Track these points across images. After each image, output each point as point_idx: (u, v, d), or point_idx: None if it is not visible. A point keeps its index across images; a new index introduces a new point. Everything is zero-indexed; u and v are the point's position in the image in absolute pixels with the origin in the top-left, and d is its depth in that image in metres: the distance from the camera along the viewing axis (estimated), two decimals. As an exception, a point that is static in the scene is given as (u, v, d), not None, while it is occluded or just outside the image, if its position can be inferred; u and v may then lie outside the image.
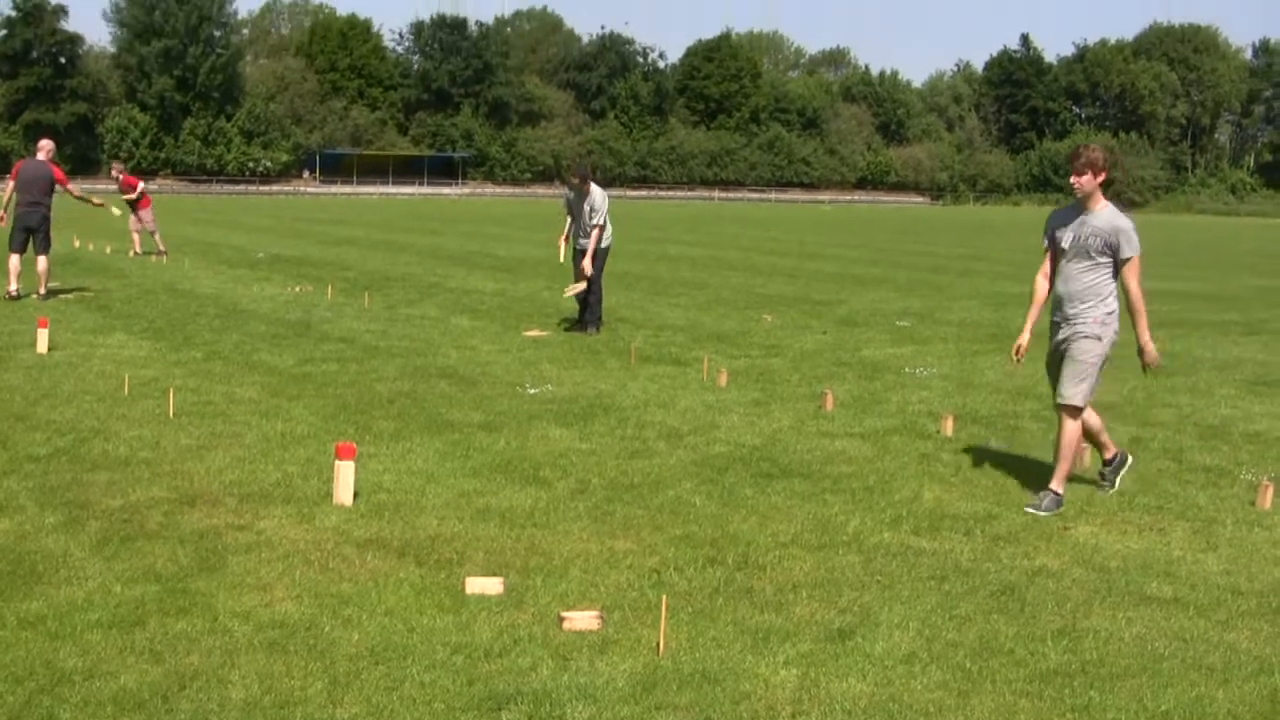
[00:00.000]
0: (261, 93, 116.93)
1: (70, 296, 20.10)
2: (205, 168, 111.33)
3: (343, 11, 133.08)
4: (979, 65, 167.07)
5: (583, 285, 17.14)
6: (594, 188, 17.25)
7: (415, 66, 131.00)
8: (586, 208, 17.15)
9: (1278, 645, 6.16)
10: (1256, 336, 19.17)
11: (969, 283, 28.25)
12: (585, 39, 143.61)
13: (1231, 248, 53.76)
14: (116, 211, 21.74)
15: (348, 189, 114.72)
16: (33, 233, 19.44)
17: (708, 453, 10.00)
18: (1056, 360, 8.95)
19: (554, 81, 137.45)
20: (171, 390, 11.42)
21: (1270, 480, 9.04)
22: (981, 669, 5.73)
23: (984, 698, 5.45)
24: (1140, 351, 8.98)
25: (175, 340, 15.44)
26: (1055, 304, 8.93)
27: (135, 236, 29.73)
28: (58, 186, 19.68)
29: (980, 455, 10.14)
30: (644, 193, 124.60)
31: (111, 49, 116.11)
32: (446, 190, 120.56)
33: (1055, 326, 8.94)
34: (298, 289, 22.33)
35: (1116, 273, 8.69)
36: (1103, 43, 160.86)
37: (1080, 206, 8.78)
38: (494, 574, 6.74)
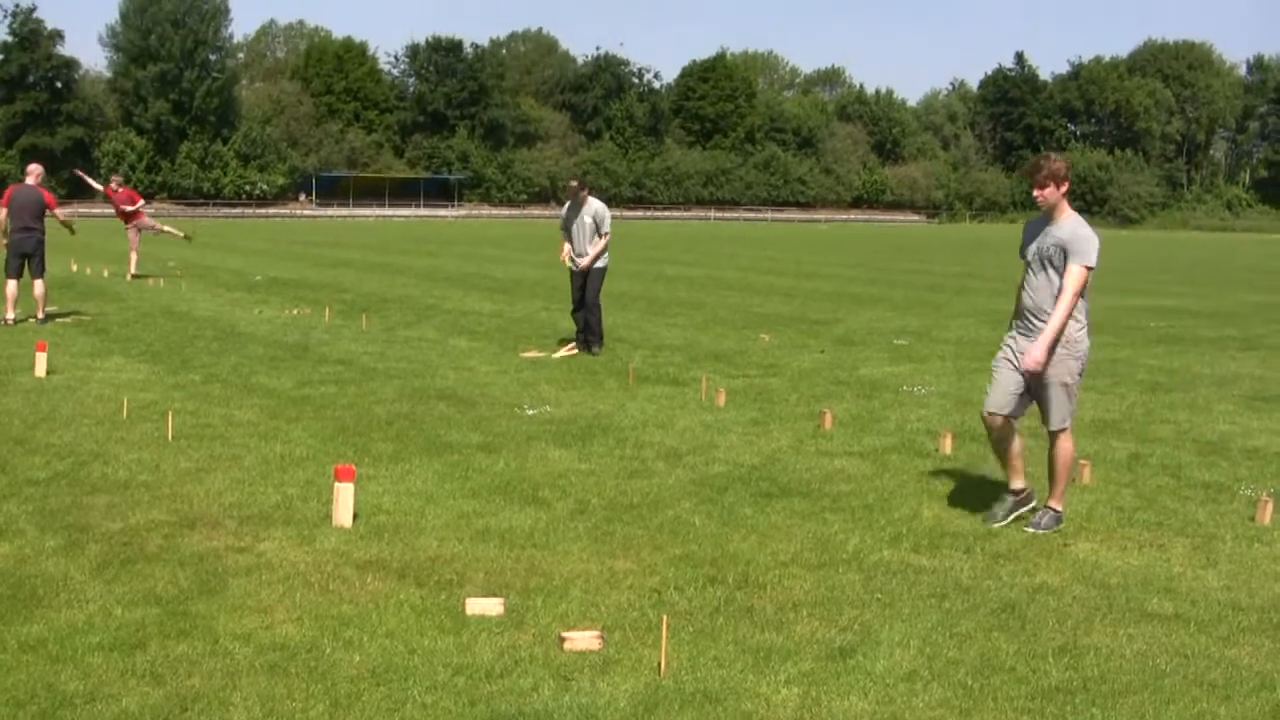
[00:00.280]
0: (257, 116, 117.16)
1: (68, 320, 20.11)
2: (202, 191, 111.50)
3: (338, 35, 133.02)
4: (974, 83, 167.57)
5: (574, 350, 17.09)
6: (592, 198, 17.23)
7: (411, 89, 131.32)
8: (588, 220, 17.09)
9: (1279, 661, 6.16)
10: (1254, 352, 19.18)
11: (966, 300, 28.27)
12: (580, 60, 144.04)
13: (1228, 264, 53.82)
14: (75, 228, 21.59)
15: (344, 211, 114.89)
16: (28, 258, 19.47)
17: (707, 472, 10.00)
18: (1016, 371, 8.57)
19: (549, 103, 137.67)
20: (170, 413, 11.41)
21: (1269, 496, 9.04)
22: (983, 687, 5.73)
23: (986, 715, 5.45)
24: (1025, 359, 8.44)
25: (173, 363, 15.45)
26: (1020, 314, 8.69)
27: (133, 256, 29.83)
28: (47, 210, 19.71)
29: (979, 473, 10.14)
30: (640, 213, 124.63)
31: (108, 73, 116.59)
32: (443, 212, 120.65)
33: (1022, 336, 8.63)
34: (295, 311, 22.34)
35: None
36: (1097, 60, 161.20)
37: (1047, 218, 8.60)
38: (494, 595, 6.74)
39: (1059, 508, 8.63)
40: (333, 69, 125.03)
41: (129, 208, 29.76)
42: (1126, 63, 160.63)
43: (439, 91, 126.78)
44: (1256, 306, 28.82)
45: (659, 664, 5.82)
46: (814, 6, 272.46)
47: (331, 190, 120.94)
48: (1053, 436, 8.66)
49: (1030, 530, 8.40)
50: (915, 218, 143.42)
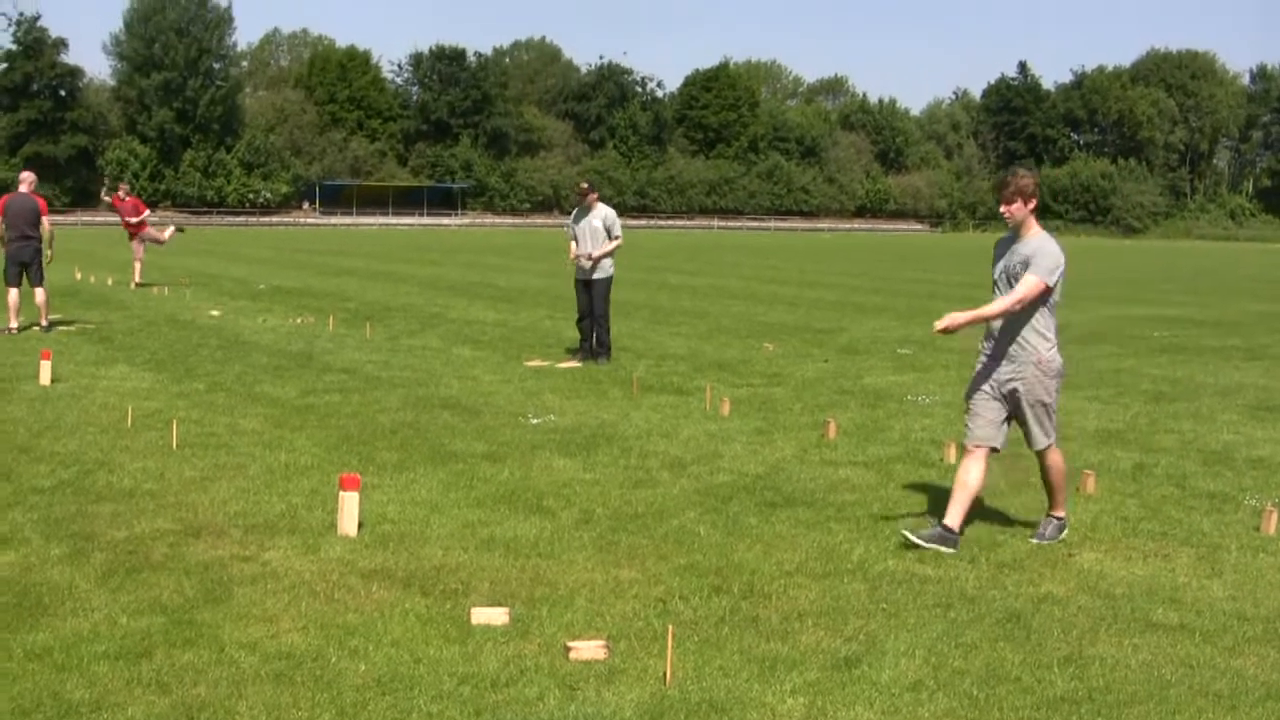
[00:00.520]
0: (261, 124, 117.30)
1: (72, 328, 20.13)
2: (205, 199, 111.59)
3: (342, 43, 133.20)
4: (977, 93, 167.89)
5: (576, 363, 17.09)
6: (600, 203, 17.24)
7: (414, 98, 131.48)
8: (598, 224, 17.07)
9: (1284, 671, 6.16)
10: (1258, 362, 19.18)
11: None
12: (584, 69, 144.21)
13: (1231, 273, 53.81)
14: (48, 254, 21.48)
15: (347, 220, 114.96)
16: (26, 266, 19.49)
17: (711, 482, 10.00)
18: (997, 396, 8.37)
19: (553, 111, 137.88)
20: (175, 422, 11.42)
21: (1274, 506, 9.03)
22: (988, 697, 5.73)
23: (992, 725, 5.45)
24: (943, 316, 8.33)
25: (178, 372, 15.46)
26: (988, 335, 8.48)
27: (136, 265, 29.84)
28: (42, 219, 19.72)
29: (984, 482, 10.12)
30: (643, 222, 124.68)
31: (111, 82, 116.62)
32: (446, 221, 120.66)
33: (991, 359, 8.43)
34: (299, 320, 22.35)
35: (1045, 298, 8.24)
36: (1100, 69, 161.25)
37: (1015, 236, 8.50)
38: (499, 604, 6.74)
39: (1062, 515, 8.61)
40: (336, 77, 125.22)
41: (134, 219, 29.77)
42: (1130, 72, 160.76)
43: (442, 100, 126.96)
44: (1260, 316, 28.82)
45: (664, 674, 5.82)
46: (817, 16, 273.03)
47: (335, 199, 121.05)
48: (1040, 456, 8.56)
49: (1035, 541, 8.38)
50: (918, 227, 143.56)
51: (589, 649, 6.06)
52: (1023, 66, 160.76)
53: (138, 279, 29.59)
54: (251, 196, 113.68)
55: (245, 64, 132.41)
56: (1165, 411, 13.99)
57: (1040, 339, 8.28)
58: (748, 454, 11.13)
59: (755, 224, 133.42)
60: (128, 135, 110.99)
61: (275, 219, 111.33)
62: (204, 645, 6.12)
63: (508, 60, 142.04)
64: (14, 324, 19.36)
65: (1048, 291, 8.20)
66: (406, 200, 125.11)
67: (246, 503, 8.96)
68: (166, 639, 6.18)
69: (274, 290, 29.88)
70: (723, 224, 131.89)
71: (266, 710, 5.39)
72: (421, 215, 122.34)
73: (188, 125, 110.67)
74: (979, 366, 8.55)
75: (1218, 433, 12.79)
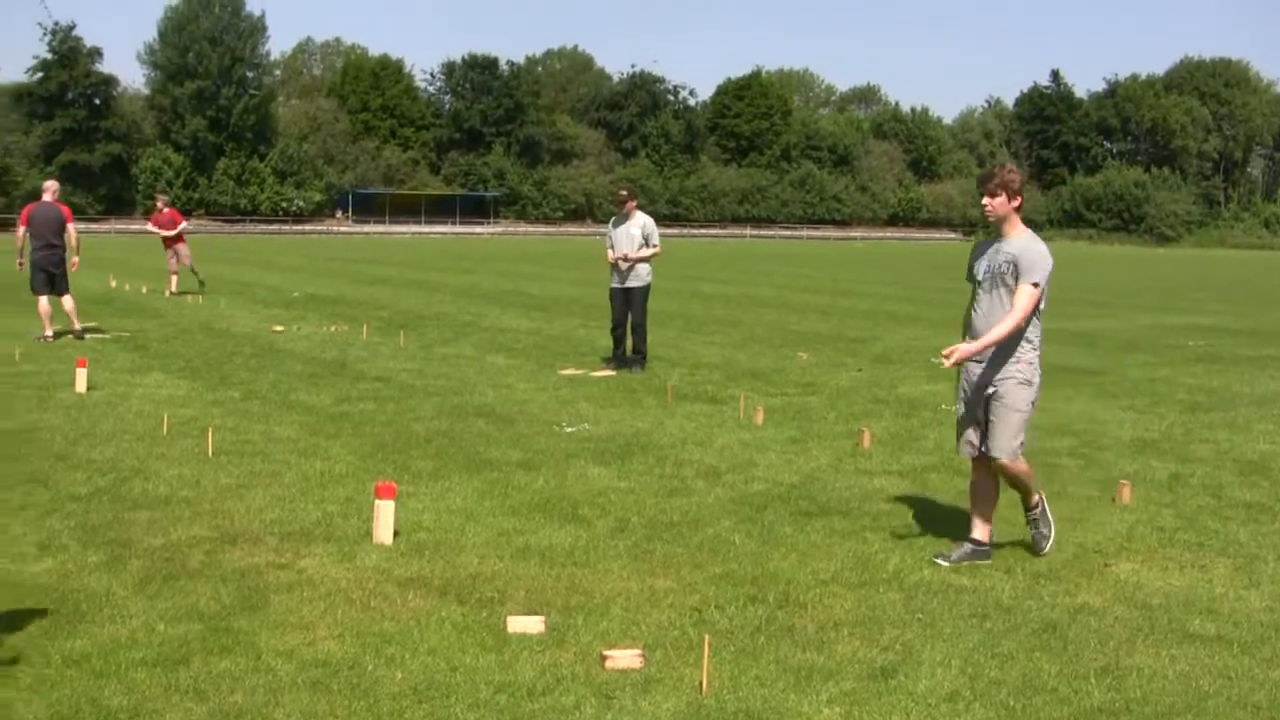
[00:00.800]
0: (294, 133, 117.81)
1: (107, 336, 20.23)
2: (239, 207, 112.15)
3: (374, 52, 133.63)
4: (1010, 101, 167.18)
5: (611, 371, 17.07)
6: (639, 211, 17.24)
7: (447, 106, 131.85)
8: (636, 232, 17.06)
9: (1324, 683, 6.12)
10: (1294, 372, 19.07)
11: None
12: (616, 78, 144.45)
13: (1266, 282, 53.52)
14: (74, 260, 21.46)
15: (380, 228, 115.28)
16: (52, 275, 19.60)
17: (746, 491, 9.99)
18: (979, 402, 8.22)
19: (585, 120, 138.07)
20: (210, 429, 11.47)
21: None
22: (1025, 707, 5.71)
23: (1029, 736, 5.43)
24: (950, 352, 8.09)
25: (212, 379, 15.53)
26: (974, 337, 8.21)
27: (172, 277, 29.93)
28: (67, 226, 19.85)
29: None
30: (676, 230, 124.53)
31: (146, 90, 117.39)
32: (479, 229, 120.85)
33: (974, 364, 8.23)
34: (333, 328, 22.42)
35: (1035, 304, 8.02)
36: (1133, 78, 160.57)
37: (998, 235, 8.26)
38: (535, 613, 6.75)
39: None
40: (369, 86, 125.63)
41: (170, 232, 29.78)
42: (1163, 80, 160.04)
43: (475, 109, 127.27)
44: (1296, 325, 28.65)
45: (700, 683, 5.82)
46: (849, 24, 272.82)
47: (368, 207, 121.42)
48: (993, 463, 8.17)
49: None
50: (951, 235, 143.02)
51: (625, 658, 6.06)
52: (1055, 75, 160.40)
53: (172, 289, 29.71)
54: (284, 205, 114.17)
55: (278, 73, 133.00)
56: (1201, 421, 13.92)
57: (1026, 344, 8.10)
58: (782, 463, 11.12)
59: (788, 233, 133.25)
60: (162, 144, 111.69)
61: (308, 227, 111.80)
62: (241, 652, 6.14)
63: (540, 69, 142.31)
64: (49, 331, 19.48)
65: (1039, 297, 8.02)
66: (439, 209, 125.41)
67: (282, 510, 8.99)
68: (203, 646, 6.21)
69: (308, 298, 29.99)
70: (755, 233, 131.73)
71: (303, 718, 5.40)
72: (454, 224, 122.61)
73: (221, 134, 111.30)
74: (963, 371, 8.35)
75: (1254, 442, 12.71)
